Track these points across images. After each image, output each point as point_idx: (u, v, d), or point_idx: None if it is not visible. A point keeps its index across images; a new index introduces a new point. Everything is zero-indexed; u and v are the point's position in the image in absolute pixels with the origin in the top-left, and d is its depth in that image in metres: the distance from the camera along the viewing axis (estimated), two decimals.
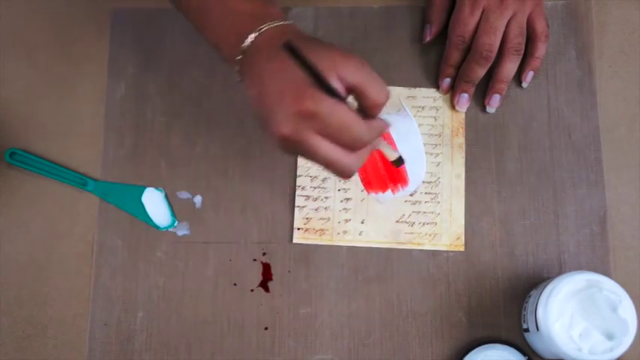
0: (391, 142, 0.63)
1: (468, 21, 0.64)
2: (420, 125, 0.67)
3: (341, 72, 0.47)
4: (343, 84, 0.47)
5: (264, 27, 0.50)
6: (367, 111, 0.49)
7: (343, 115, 0.46)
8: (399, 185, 0.65)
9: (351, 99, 0.48)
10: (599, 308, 0.54)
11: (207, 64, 0.69)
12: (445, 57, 0.66)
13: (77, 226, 0.67)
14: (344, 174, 0.49)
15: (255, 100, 0.49)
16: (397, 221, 0.65)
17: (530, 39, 0.65)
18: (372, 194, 0.65)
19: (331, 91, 0.46)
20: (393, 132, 0.64)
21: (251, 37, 0.50)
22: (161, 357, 0.64)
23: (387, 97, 0.49)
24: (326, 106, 0.46)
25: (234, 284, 0.65)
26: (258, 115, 0.50)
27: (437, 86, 0.68)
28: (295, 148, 0.48)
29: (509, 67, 0.65)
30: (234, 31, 0.51)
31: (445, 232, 0.65)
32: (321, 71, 0.46)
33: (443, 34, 0.67)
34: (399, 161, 0.60)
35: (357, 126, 0.47)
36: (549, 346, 0.55)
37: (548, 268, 0.64)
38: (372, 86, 0.48)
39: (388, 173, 0.65)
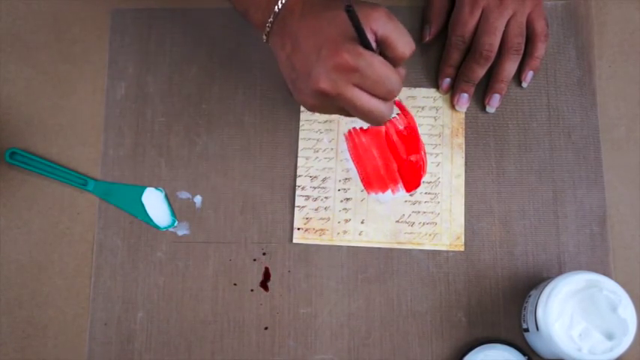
0: (401, 108, 0.65)
1: (467, 21, 0.64)
2: (420, 125, 0.67)
3: (373, 25, 0.49)
4: (374, 36, 0.48)
5: None
6: (392, 62, 0.50)
7: (381, 67, 0.47)
8: (399, 185, 0.65)
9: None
10: (599, 308, 0.54)
11: (207, 64, 0.69)
12: (445, 57, 0.66)
13: (77, 226, 0.67)
14: (381, 121, 0.50)
15: (289, 60, 0.50)
16: (397, 221, 0.65)
17: (530, 39, 0.65)
18: (372, 194, 0.65)
19: (366, 45, 0.47)
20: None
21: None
22: (161, 357, 0.64)
23: (413, 50, 0.50)
24: (364, 59, 0.47)
25: (234, 284, 0.65)
26: (289, 76, 0.51)
27: (437, 86, 0.68)
28: (333, 101, 0.48)
29: (509, 67, 0.65)
30: None
31: (445, 232, 0.65)
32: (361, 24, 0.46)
33: (442, 34, 0.67)
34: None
35: (393, 77, 0.48)
36: (549, 346, 0.55)
37: (548, 268, 0.64)
38: (400, 39, 0.49)
39: (388, 173, 0.65)
